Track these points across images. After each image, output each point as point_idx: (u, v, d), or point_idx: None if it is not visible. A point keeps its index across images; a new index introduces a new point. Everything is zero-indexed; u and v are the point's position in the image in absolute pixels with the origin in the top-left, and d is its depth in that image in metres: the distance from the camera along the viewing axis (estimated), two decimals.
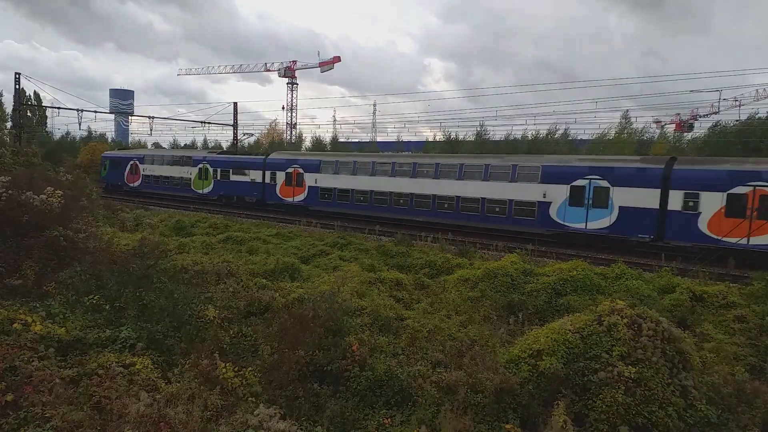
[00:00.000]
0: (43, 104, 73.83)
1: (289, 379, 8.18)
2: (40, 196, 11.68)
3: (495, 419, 7.64)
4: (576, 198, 23.58)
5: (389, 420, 7.73)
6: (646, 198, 21.96)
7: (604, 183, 22.93)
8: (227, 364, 7.75)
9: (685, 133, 62.06)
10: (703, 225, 20.76)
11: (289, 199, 34.62)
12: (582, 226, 23.55)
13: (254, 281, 13.77)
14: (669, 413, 7.46)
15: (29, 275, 10.49)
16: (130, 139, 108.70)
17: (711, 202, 20.57)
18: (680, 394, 7.75)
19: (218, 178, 39.04)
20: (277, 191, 35.26)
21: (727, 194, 20.28)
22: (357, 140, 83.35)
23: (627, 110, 68.14)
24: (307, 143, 78.08)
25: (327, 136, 77.96)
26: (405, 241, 21.06)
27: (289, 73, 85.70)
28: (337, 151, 55.04)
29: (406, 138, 71.79)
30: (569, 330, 8.74)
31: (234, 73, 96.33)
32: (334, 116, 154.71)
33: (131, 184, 46.42)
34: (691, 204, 21.03)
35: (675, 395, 7.69)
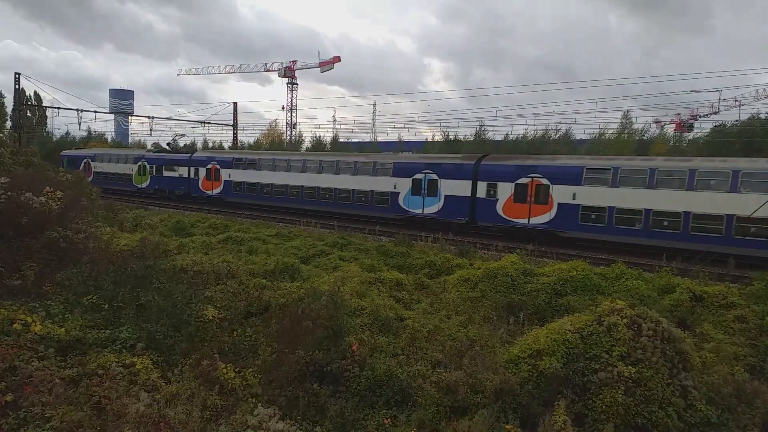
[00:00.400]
0: (43, 104, 73.83)
1: (289, 380, 8.18)
2: (39, 197, 11.64)
3: (495, 419, 7.64)
4: (416, 189, 28.65)
5: (389, 420, 7.73)
6: (463, 188, 26.94)
7: (435, 176, 27.98)
8: (227, 365, 7.75)
9: (685, 133, 62.10)
10: (499, 209, 25.76)
11: (209, 192, 39.41)
12: (420, 211, 28.53)
13: (254, 281, 13.76)
14: (669, 413, 7.46)
15: (29, 276, 10.48)
16: (130, 139, 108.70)
17: (505, 191, 25.59)
18: (680, 394, 7.75)
19: (154, 173, 43.44)
20: (200, 185, 40.08)
21: (515, 184, 25.26)
22: (357, 140, 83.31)
23: (628, 110, 68.14)
24: (307, 143, 78.10)
25: (327, 137, 77.98)
26: (405, 241, 21.08)
27: (289, 73, 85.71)
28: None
29: (406, 138, 71.80)
30: (569, 330, 8.74)
31: (234, 73, 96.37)
32: (334, 116, 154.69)
33: None
34: (491, 192, 26.04)
35: (675, 395, 7.69)
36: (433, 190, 27.89)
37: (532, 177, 24.84)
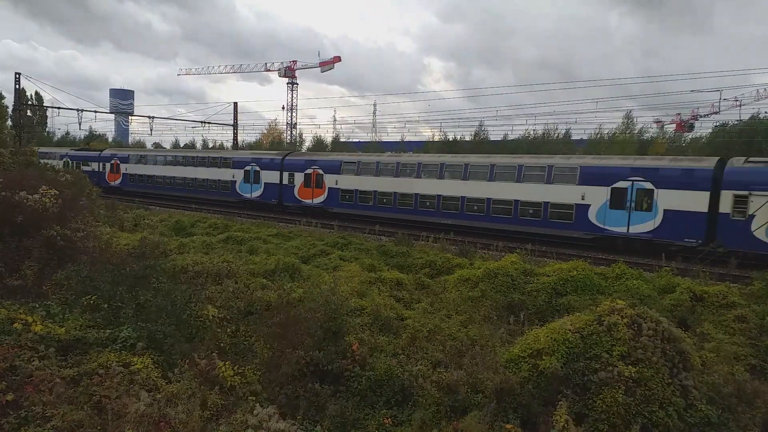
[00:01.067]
0: (43, 104, 73.82)
1: (289, 379, 8.17)
2: (33, 195, 11.61)
3: (495, 419, 7.64)
4: (247, 178, 37.30)
5: (389, 420, 7.73)
6: (275, 177, 35.57)
7: (258, 168, 36.72)
8: (226, 363, 7.74)
9: (686, 133, 62.12)
10: (296, 192, 34.49)
11: (112, 183, 47.79)
12: (249, 196, 37.19)
13: (254, 281, 13.76)
14: (669, 413, 7.45)
15: (29, 275, 10.47)
16: (130, 138, 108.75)
17: (299, 179, 34.28)
18: (680, 394, 7.74)
19: (75, 168, 49.22)
20: (106, 177, 48.53)
21: (304, 174, 34.02)
22: (358, 140, 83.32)
23: (630, 110, 68.33)
24: (308, 143, 78.14)
25: (328, 137, 78.03)
26: (405, 241, 21.08)
27: (289, 73, 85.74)
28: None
29: (409, 138, 71.93)
30: (569, 330, 8.74)
31: (234, 72, 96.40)
32: (334, 116, 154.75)
33: None
34: (291, 180, 34.72)
35: (675, 395, 7.68)
36: (257, 179, 36.60)
37: (314, 168, 33.64)
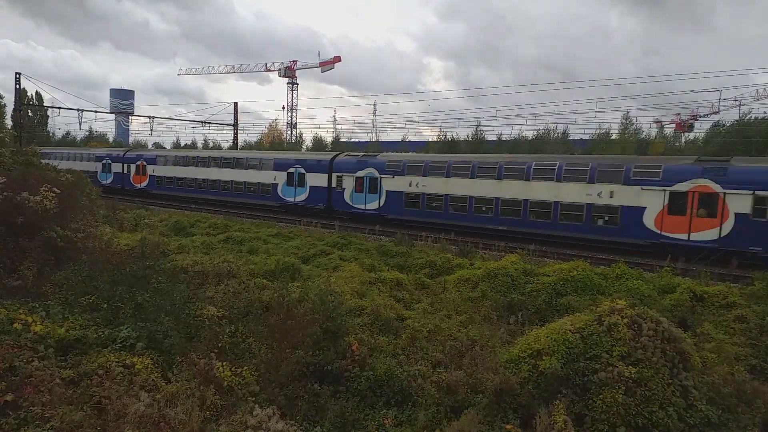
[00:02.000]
0: (44, 104, 73.86)
1: (289, 379, 8.16)
2: (35, 197, 11.60)
3: (495, 419, 7.63)
4: (103, 168, 48.65)
5: (389, 420, 7.72)
6: (120, 168, 46.79)
7: (110, 161, 48.16)
8: (224, 363, 7.74)
9: (685, 133, 62.16)
10: (131, 179, 45.67)
11: None
12: (105, 182, 46.69)
13: (255, 281, 13.75)
14: (669, 413, 7.45)
15: (28, 276, 10.47)
16: (130, 138, 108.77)
17: (133, 169, 45.51)
18: (680, 395, 7.73)
19: None
20: None
21: (136, 165, 45.38)
22: (358, 140, 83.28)
23: (628, 111, 68.38)
24: (308, 143, 78.18)
25: (328, 137, 78.04)
26: (405, 241, 21.07)
27: (289, 73, 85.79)
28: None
29: (412, 138, 72.00)
30: (569, 330, 8.72)
31: (234, 72, 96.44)
32: (334, 116, 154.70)
33: None
34: (128, 169, 46.08)
35: (675, 395, 7.67)
36: (109, 169, 47.84)
37: (142, 161, 44.96)
